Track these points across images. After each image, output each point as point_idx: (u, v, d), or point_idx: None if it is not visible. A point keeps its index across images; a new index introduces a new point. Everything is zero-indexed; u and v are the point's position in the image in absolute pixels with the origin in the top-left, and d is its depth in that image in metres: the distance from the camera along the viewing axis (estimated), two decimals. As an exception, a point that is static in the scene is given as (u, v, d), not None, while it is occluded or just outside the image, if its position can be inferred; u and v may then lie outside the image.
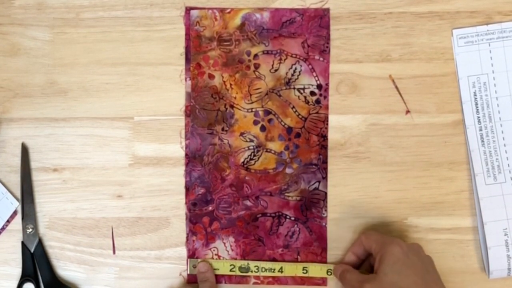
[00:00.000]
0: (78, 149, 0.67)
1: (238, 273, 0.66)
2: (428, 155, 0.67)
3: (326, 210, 0.66)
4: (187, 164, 0.66)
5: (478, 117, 0.66)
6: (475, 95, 0.67)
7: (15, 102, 0.67)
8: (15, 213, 0.66)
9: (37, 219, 0.66)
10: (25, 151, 0.66)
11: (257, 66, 0.67)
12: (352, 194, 0.67)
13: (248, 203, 0.66)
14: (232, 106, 0.67)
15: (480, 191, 0.66)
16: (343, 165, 0.67)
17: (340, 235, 0.67)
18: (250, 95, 0.67)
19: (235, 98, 0.67)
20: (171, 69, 0.67)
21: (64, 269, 0.67)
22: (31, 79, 0.67)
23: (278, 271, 0.66)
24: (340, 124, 0.67)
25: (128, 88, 0.67)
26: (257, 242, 0.66)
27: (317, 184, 0.66)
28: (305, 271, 0.66)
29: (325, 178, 0.66)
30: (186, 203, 0.67)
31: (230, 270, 0.66)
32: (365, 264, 0.65)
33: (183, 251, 0.67)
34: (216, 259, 0.66)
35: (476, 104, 0.67)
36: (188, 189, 0.67)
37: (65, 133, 0.67)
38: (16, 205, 0.66)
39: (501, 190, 0.66)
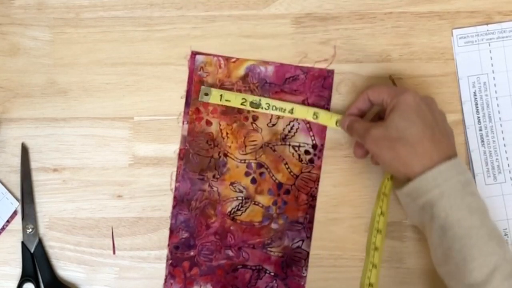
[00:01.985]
0: (78, 149, 0.67)
1: (249, 107, 0.65)
2: (428, 155, 0.67)
3: (306, 270, 0.66)
4: (174, 207, 0.66)
5: (478, 117, 0.66)
6: (475, 95, 0.67)
7: (15, 102, 0.67)
8: (15, 213, 0.66)
9: (37, 219, 0.66)
10: (25, 151, 0.66)
11: (255, 118, 0.66)
12: (352, 194, 0.67)
13: (230, 253, 0.66)
14: (225, 155, 0.66)
15: (480, 191, 0.66)
16: (343, 165, 0.67)
17: (340, 235, 0.66)
18: (245, 146, 0.66)
19: (229, 147, 0.66)
20: (171, 69, 0.67)
21: (64, 269, 0.67)
22: (31, 79, 0.67)
23: (289, 111, 0.65)
24: (340, 124, 0.67)
25: (128, 88, 0.67)
26: None
27: (300, 242, 0.66)
28: (315, 116, 0.65)
29: (309, 237, 0.66)
30: (168, 245, 0.66)
31: (241, 104, 0.66)
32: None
33: (183, 251, 0.67)
34: None
35: (476, 104, 0.67)
36: (172, 231, 0.66)
37: (65, 133, 0.67)
38: (16, 205, 0.66)
39: (501, 190, 0.66)
